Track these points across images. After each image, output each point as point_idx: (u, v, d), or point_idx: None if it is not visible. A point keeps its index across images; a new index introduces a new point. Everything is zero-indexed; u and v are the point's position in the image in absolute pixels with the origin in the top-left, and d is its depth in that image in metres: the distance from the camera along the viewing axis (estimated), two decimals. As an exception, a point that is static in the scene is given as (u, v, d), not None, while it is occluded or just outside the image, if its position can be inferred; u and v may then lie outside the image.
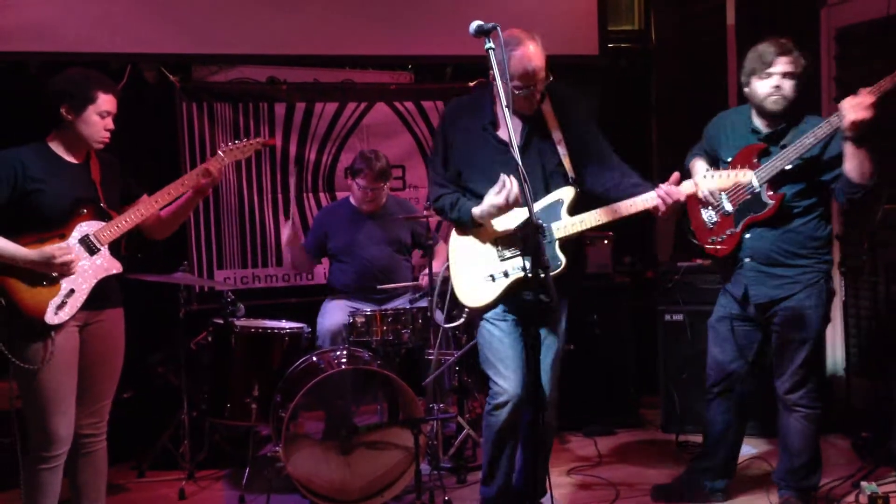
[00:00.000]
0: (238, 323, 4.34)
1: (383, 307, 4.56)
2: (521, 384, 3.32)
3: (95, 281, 3.23)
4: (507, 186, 3.15)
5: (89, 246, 3.23)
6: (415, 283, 4.76)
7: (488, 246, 3.41)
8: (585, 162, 3.39)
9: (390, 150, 5.38)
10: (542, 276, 2.73)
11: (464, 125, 3.42)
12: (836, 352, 5.09)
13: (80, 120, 3.20)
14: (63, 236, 3.19)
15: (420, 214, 4.70)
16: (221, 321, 4.35)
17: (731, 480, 3.96)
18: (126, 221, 3.29)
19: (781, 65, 3.46)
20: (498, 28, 2.86)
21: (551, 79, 3.34)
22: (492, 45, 2.87)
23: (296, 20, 5.22)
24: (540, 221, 2.84)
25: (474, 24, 2.87)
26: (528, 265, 3.10)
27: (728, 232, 3.64)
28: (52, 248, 3.12)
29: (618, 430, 5.06)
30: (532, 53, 3.19)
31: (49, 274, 3.13)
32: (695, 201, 3.66)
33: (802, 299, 3.56)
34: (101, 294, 3.26)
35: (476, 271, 3.41)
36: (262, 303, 5.10)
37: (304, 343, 4.42)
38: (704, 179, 3.27)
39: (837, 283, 4.98)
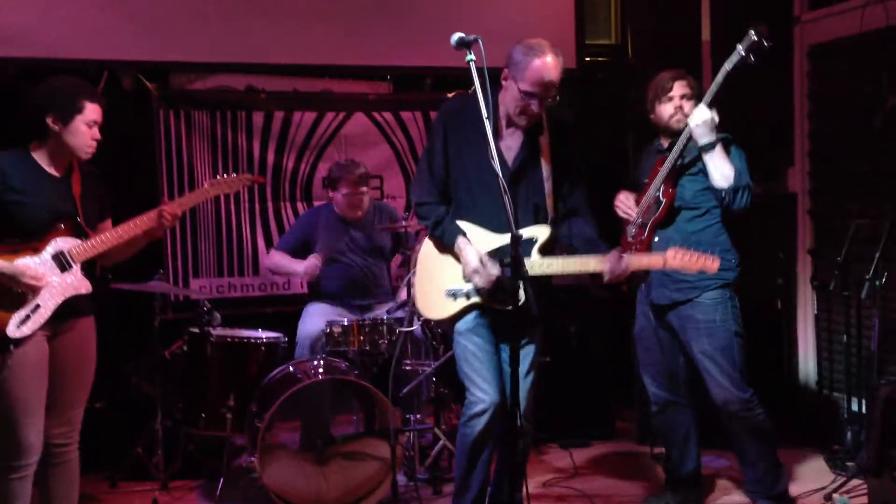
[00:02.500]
0: (214, 332, 4.32)
1: (359, 317, 4.55)
2: (497, 393, 3.27)
3: (63, 299, 3.17)
4: (485, 275, 3.16)
5: (62, 263, 3.17)
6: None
7: (458, 263, 3.32)
8: (560, 201, 3.35)
9: (368, 160, 5.38)
10: (522, 283, 2.74)
11: (462, 130, 3.30)
12: (808, 366, 5.15)
13: (66, 130, 3.16)
14: (37, 250, 3.14)
15: (401, 223, 4.70)
16: (197, 330, 4.33)
17: (700, 489, 4.03)
18: (103, 241, 3.24)
19: (678, 88, 3.75)
20: (479, 40, 2.87)
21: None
22: (473, 56, 2.88)
23: (275, 29, 5.21)
24: (521, 233, 2.83)
25: (456, 36, 2.88)
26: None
27: (640, 239, 3.80)
28: (24, 266, 3.08)
29: (593, 442, 5.08)
30: (552, 65, 3.12)
31: (14, 289, 3.09)
32: (625, 222, 3.89)
33: (706, 311, 3.68)
34: (69, 306, 3.20)
35: (439, 284, 3.35)
36: (238, 312, 5.07)
37: (280, 353, 4.41)
38: (674, 258, 3.24)
39: (809, 296, 5.07)
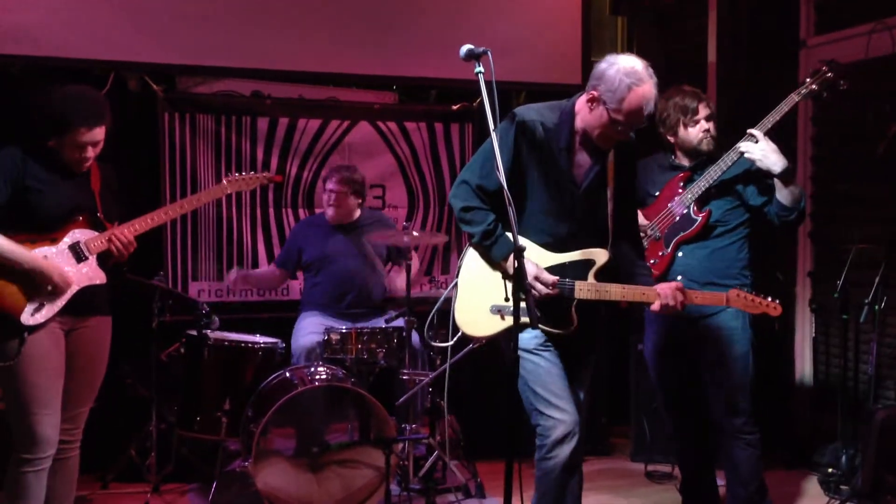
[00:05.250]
0: (212, 335, 4.32)
1: (358, 325, 4.55)
2: (578, 412, 3.05)
3: (77, 289, 3.21)
4: (543, 289, 3.00)
5: (78, 253, 3.22)
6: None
7: (504, 278, 3.04)
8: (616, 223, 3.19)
9: (372, 169, 5.40)
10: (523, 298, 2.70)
11: (537, 141, 3.08)
12: (804, 388, 5.15)
13: (58, 144, 3.19)
14: (54, 241, 3.19)
15: (398, 233, 4.69)
16: (195, 333, 4.32)
17: None
18: (122, 232, 3.28)
19: (703, 110, 3.74)
20: (489, 53, 2.86)
21: None
22: (481, 69, 2.83)
23: (283, 36, 5.22)
24: (524, 246, 2.77)
25: (465, 48, 2.86)
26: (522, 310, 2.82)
27: (660, 254, 3.77)
28: (56, 270, 3.12)
29: (587, 458, 5.04)
30: (652, 95, 2.96)
31: (36, 283, 3.12)
32: None
33: (729, 319, 3.69)
34: (89, 301, 3.25)
35: (484, 299, 3.11)
36: (236, 316, 5.05)
37: (277, 358, 4.40)
38: (737, 298, 3.22)
39: (808, 319, 5.08)
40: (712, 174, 3.65)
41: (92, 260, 3.25)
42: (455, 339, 3.91)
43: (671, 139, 3.81)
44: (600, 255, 3.11)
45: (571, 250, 3.10)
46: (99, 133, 3.20)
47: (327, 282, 4.79)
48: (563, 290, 3.06)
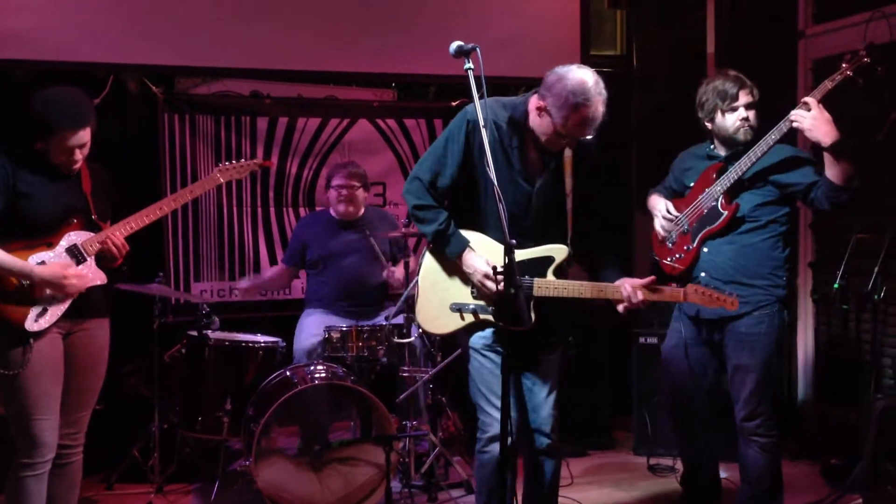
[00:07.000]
0: (212, 335, 4.34)
1: (358, 322, 4.56)
2: (517, 414, 3.12)
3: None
4: (492, 286, 2.95)
5: (76, 256, 3.22)
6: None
7: (464, 277, 3.14)
8: (580, 220, 3.18)
9: (372, 166, 5.41)
10: (514, 294, 2.71)
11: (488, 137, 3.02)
12: (806, 378, 5.14)
13: (46, 146, 3.18)
14: (51, 245, 3.18)
15: (399, 230, 4.70)
16: (196, 333, 4.34)
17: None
18: (114, 234, 3.28)
19: (744, 97, 3.61)
20: (478, 49, 2.86)
21: None
22: (471, 65, 2.85)
23: (281, 35, 5.25)
24: (513, 242, 2.79)
25: (454, 45, 2.87)
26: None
27: (685, 248, 3.70)
28: (63, 267, 3.13)
29: (590, 452, 5.09)
30: (598, 114, 2.97)
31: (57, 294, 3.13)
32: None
33: (752, 324, 3.59)
34: (87, 303, 3.24)
35: (444, 297, 3.17)
36: (238, 316, 5.09)
37: (278, 357, 4.42)
38: (694, 294, 3.14)
39: (809, 309, 5.07)
40: (743, 164, 3.52)
41: (91, 261, 3.25)
42: (415, 337, 3.90)
43: (708, 125, 3.68)
44: (559, 252, 3.10)
45: (529, 247, 3.09)
46: (84, 135, 3.17)
47: (332, 279, 4.80)
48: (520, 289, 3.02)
